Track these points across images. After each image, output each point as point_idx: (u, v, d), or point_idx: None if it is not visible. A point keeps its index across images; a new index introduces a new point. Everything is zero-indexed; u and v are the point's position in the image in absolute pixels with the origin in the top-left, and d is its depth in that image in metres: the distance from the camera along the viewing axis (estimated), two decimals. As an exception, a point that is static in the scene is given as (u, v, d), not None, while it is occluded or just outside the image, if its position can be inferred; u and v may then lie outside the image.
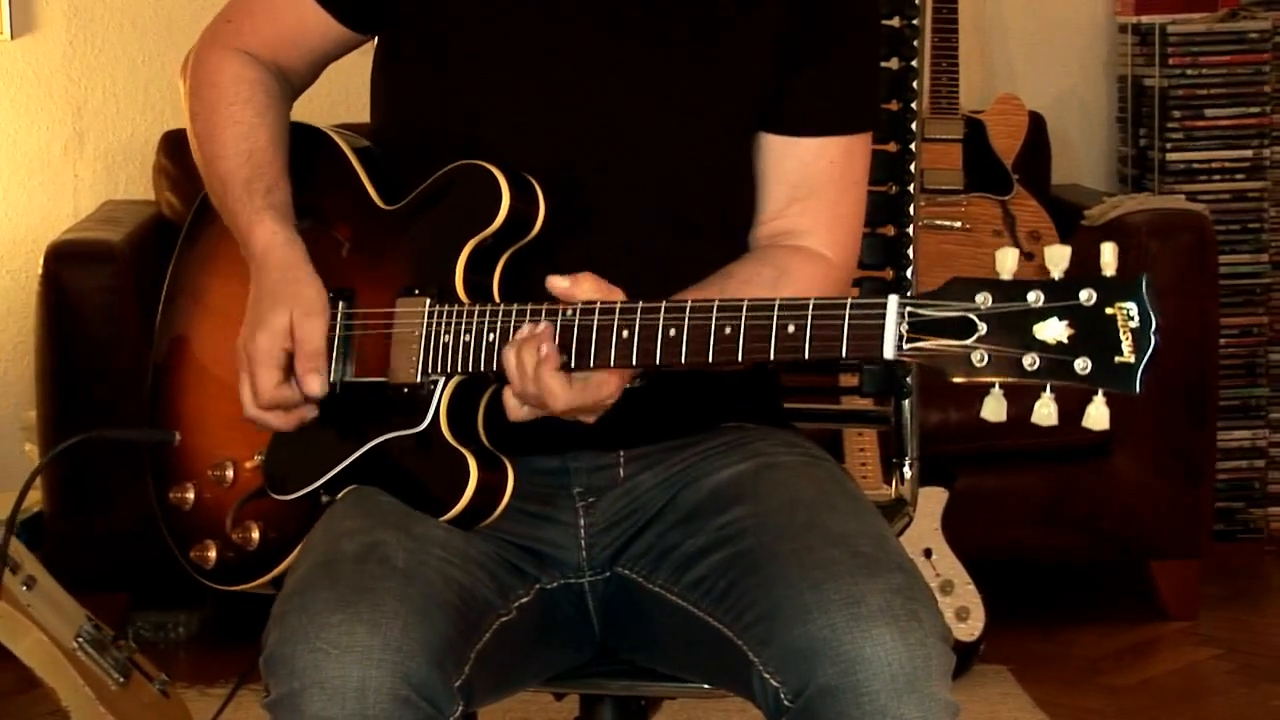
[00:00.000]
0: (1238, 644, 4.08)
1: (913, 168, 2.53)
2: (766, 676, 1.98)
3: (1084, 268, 1.75)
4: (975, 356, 1.75)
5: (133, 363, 3.73)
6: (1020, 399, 1.78)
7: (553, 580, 2.20)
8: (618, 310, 1.98)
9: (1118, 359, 1.70)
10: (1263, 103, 4.60)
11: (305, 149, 2.32)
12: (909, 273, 2.54)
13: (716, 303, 1.93)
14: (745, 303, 1.91)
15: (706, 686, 2.19)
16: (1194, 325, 4.06)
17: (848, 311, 1.85)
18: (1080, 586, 4.47)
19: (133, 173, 4.73)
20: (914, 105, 2.51)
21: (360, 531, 2.05)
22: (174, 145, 4.44)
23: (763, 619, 1.98)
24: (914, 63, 2.52)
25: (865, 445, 3.72)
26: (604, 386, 2.02)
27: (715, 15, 2.19)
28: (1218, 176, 4.60)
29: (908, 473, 2.55)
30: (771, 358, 1.89)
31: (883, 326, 1.81)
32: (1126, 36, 4.75)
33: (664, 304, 1.95)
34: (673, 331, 1.94)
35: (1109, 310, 1.71)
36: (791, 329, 1.87)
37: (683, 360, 1.93)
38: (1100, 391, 1.72)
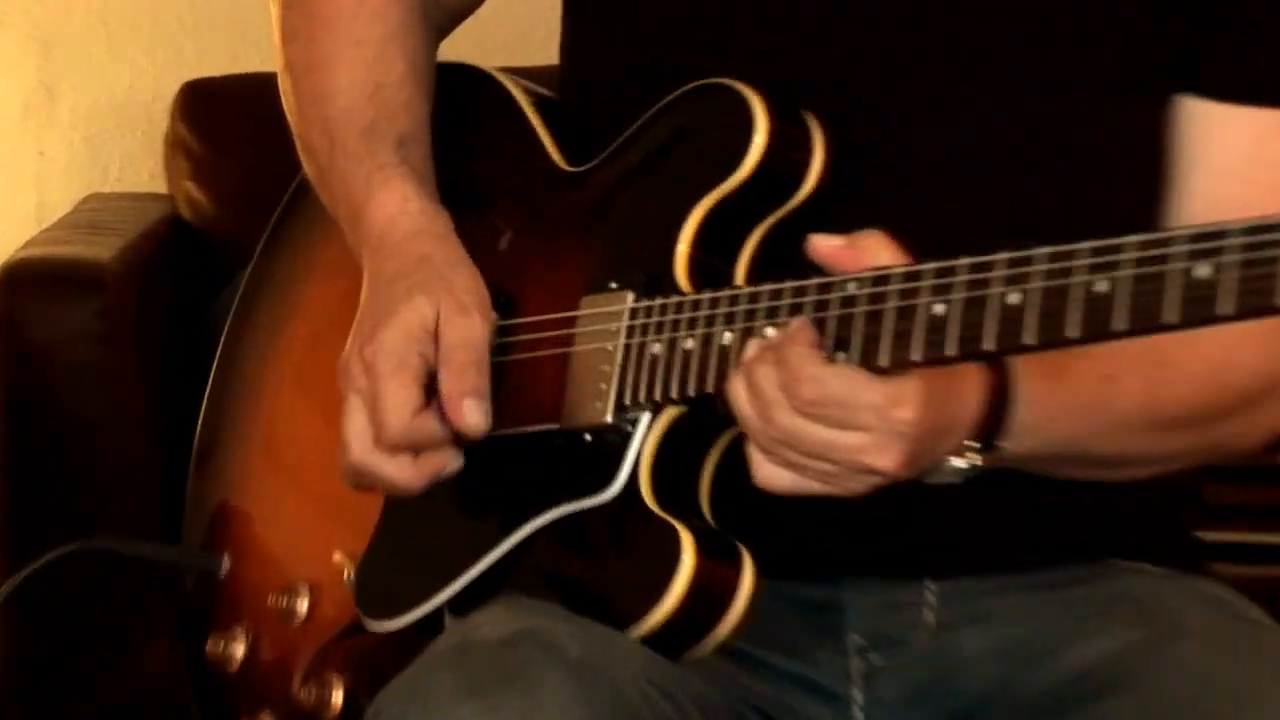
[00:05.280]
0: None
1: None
2: None
3: None
4: None
5: (132, 444, 3.38)
6: None
7: None
8: (923, 277, 1.71)
9: None
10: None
11: (456, 96, 2.18)
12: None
13: (1089, 246, 1.62)
14: (1130, 240, 1.62)
15: None
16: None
17: None
18: None
19: (131, 148, 3.98)
20: None
21: (509, 620, 1.82)
22: (199, 101, 3.76)
23: None
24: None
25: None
26: (904, 387, 1.70)
27: None
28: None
29: None
30: (1177, 319, 1.58)
31: None
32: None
33: (1005, 256, 1.66)
34: (1015, 297, 1.64)
35: None
36: (1205, 272, 1.56)
37: (1034, 339, 1.65)
38: None
